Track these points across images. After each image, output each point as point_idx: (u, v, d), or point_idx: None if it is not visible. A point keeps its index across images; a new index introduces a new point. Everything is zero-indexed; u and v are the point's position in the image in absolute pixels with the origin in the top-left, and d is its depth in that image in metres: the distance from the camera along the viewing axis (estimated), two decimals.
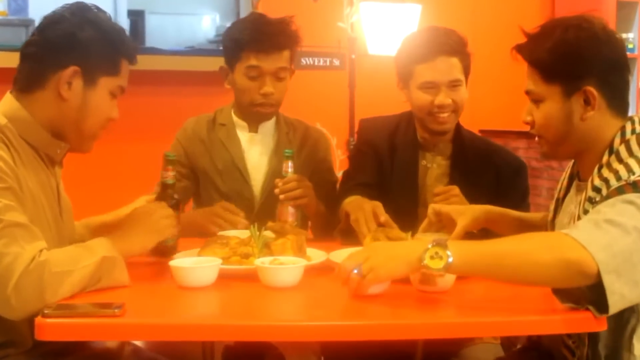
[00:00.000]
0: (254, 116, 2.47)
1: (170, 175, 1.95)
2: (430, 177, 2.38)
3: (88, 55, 1.74)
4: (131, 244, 1.75)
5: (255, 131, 2.50)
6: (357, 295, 1.54)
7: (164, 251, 1.87)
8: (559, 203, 1.86)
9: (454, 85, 2.29)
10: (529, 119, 1.77)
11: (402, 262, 1.54)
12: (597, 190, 1.62)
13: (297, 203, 2.21)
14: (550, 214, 1.88)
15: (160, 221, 1.82)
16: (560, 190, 1.88)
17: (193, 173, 2.48)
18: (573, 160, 1.86)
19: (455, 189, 2.21)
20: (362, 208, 2.10)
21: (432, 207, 2.03)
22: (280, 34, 2.38)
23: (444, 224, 2.00)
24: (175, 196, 1.95)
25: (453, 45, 2.28)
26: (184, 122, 2.56)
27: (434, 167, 2.39)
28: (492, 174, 2.36)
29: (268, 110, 2.43)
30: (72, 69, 1.72)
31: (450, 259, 1.49)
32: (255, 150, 2.50)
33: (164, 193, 1.95)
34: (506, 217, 2.02)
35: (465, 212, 1.99)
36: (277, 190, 2.20)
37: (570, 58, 1.67)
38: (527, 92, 1.76)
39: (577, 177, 1.81)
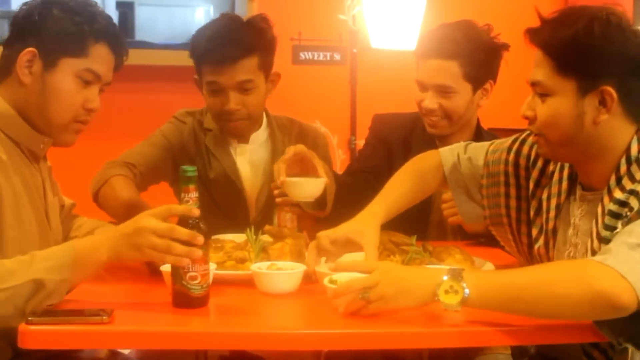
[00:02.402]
0: (228, 134, 2.41)
1: (192, 198, 1.59)
2: None
3: (46, 35, 1.74)
4: (99, 248, 1.58)
5: (246, 142, 2.44)
6: (351, 315, 1.51)
7: (186, 300, 1.57)
8: (560, 209, 1.76)
9: (441, 91, 2.28)
10: (529, 113, 1.67)
11: (413, 297, 1.49)
12: (622, 204, 1.54)
13: (294, 211, 2.19)
14: (551, 223, 1.77)
15: (146, 236, 1.55)
16: (560, 195, 1.76)
17: (174, 163, 2.39)
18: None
19: None
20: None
21: (324, 235, 1.81)
22: (233, 43, 2.25)
23: (339, 249, 1.83)
24: (202, 225, 1.59)
25: (452, 48, 2.25)
26: (176, 112, 2.50)
27: None
28: None
29: (239, 125, 2.35)
30: (27, 50, 1.73)
31: (467, 293, 1.45)
32: (247, 162, 2.44)
33: (185, 222, 1.59)
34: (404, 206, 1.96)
35: (365, 230, 1.81)
36: (276, 192, 2.19)
37: (592, 52, 1.57)
38: (534, 84, 1.65)
39: (580, 184, 1.72)
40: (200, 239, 1.56)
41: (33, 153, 1.79)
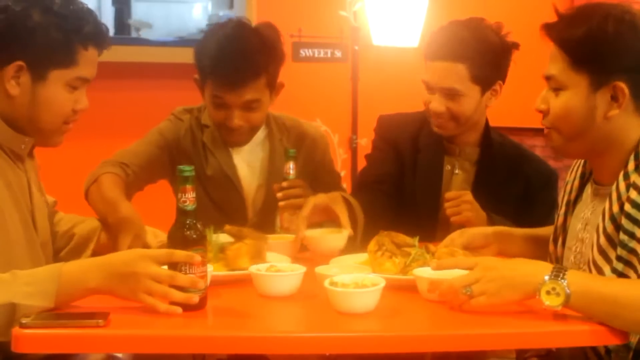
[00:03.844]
0: (226, 142, 2.40)
1: (189, 199, 1.61)
2: (455, 183, 2.39)
3: (34, 47, 1.71)
4: (88, 276, 1.55)
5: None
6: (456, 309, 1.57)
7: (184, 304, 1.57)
8: (570, 206, 1.84)
9: (448, 94, 2.26)
10: (543, 107, 1.73)
11: (517, 292, 1.52)
12: (637, 206, 1.57)
13: (298, 212, 2.17)
14: (560, 218, 1.86)
15: (142, 282, 1.53)
16: (571, 192, 1.85)
17: (171, 160, 2.40)
18: (585, 160, 1.84)
19: (468, 195, 2.21)
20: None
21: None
22: (243, 66, 2.22)
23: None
24: (199, 226, 1.60)
25: (460, 50, 2.23)
26: (174, 109, 2.50)
27: (460, 172, 2.39)
28: (521, 184, 2.37)
29: (240, 139, 2.36)
30: (15, 64, 1.71)
31: (568, 297, 1.47)
32: (244, 161, 2.45)
33: (182, 223, 1.59)
34: (515, 237, 2.04)
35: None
36: (279, 195, 2.18)
37: (605, 48, 1.63)
38: (548, 77, 1.72)
39: (593, 180, 1.79)
40: (201, 284, 1.56)
41: (15, 153, 1.79)
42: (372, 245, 1.91)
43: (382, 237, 1.93)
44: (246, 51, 2.24)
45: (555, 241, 1.87)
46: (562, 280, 1.47)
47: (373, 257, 1.89)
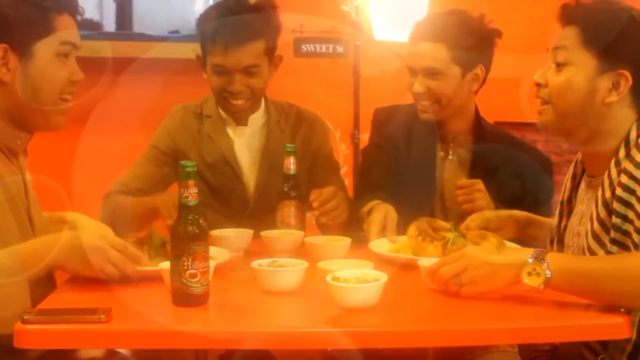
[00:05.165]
0: (229, 113, 2.47)
1: (192, 194, 1.61)
2: (448, 169, 2.42)
3: (10, 27, 1.71)
4: (66, 261, 1.67)
5: (244, 124, 2.50)
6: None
7: (186, 298, 1.58)
8: (564, 206, 1.88)
9: (430, 73, 2.32)
10: (541, 80, 1.77)
11: (502, 279, 1.58)
12: (629, 190, 1.62)
13: (337, 222, 2.21)
14: (556, 218, 1.90)
15: (101, 254, 1.68)
16: (564, 192, 1.89)
17: (174, 163, 2.42)
18: (576, 160, 1.88)
19: (480, 184, 2.25)
20: (370, 219, 2.16)
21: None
22: (242, 27, 2.32)
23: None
24: (201, 221, 1.59)
25: (440, 31, 2.31)
26: (170, 109, 2.55)
27: (454, 158, 2.42)
28: (516, 171, 2.38)
29: (242, 105, 2.41)
30: (0, 47, 1.70)
31: (549, 275, 1.52)
32: (245, 145, 2.49)
33: (184, 218, 1.59)
34: (532, 221, 2.07)
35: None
36: (315, 204, 2.19)
37: (621, 35, 1.67)
38: (557, 48, 1.75)
39: (586, 175, 1.82)
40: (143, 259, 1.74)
41: (11, 149, 1.79)
42: (413, 230, 1.98)
43: (422, 222, 2.00)
44: (244, 15, 2.35)
45: (551, 241, 1.91)
46: (542, 262, 1.53)
47: (414, 241, 1.96)
